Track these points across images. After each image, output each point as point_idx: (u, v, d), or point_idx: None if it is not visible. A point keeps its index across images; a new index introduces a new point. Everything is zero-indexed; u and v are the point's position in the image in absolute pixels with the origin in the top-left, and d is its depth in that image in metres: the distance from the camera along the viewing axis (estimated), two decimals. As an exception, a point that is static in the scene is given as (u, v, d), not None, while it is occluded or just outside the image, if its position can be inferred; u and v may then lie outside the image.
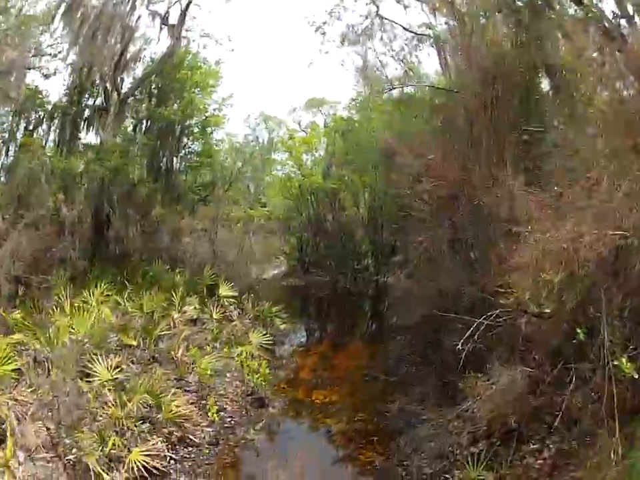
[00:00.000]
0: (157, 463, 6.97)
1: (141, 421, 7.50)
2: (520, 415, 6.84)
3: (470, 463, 6.67)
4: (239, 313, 13.49)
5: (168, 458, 7.24)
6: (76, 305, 10.06)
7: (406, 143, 10.65)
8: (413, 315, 10.74)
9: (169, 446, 7.43)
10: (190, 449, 7.54)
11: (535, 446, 7.01)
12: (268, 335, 11.80)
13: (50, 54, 17.15)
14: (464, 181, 8.92)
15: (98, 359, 8.28)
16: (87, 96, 17.97)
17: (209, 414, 8.01)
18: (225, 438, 7.83)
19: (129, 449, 6.93)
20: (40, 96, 17.29)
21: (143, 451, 6.87)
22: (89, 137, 18.16)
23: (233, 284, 14.10)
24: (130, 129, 19.18)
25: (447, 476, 6.94)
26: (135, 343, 9.88)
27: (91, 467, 6.45)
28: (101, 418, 7.42)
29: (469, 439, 7.25)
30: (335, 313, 18.95)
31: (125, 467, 6.66)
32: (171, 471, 7.09)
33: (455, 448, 7.15)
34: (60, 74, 17.41)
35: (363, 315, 18.39)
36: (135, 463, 6.62)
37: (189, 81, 18.01)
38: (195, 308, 12.17)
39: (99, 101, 17.99)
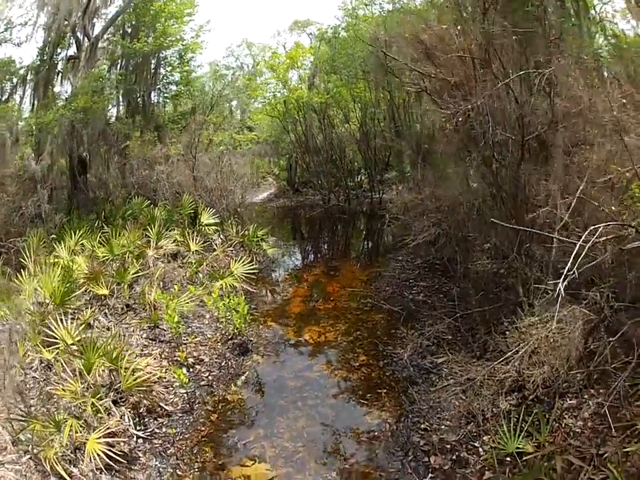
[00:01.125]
0: (123, 445, 5.47)
1: (105, 392, 5.88)
2: (564, 366, 5.14)
3: (503, 426, 5.16)
4: (222, 241, 11.67)
5: (135, 437, 5.65)
6: (50, 262, 8.34)
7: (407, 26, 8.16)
8: (416, 233, 8.75)
9: (137, 420, 5.86)
10: (160, 420, 5.96)
11: (575, 403, 5.41)
12: (253, 263, 9.82)
13: (21, 23, 15.71)
14: (484, 62, 6.55)
15: (61, 321, 6.59)
16: (58, 50, 16.30)
17: (179, 377, 6.16)
18: (201, 401, 6.11)
19: (89, 432, 5.39)
20: (13, 65, 15.84)
21: (103, 434, 5.25)
22: (63, 89, 16.44)
23: (215, 211, 12.27)
24: (105, 71, 17.40)
25: (475, 444, 5.36)
26: (107, 292, 8.16)
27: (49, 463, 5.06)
28: (57, 396, 5.85)
29: (500, 393, 5.62)
30: (328, 233, 16.85)
31: (86, 458, 5.12)
32: (139, 454, 5.51)
33: (483, 405, 5.48)
34: (32, 39, 15.83)
35: (357, 234, 16.21)
36: (94, 452, 5.07)
37: (163, 13, 16.63)
38: (176, 241, 10.36)
39: (71, 52, 16.32)
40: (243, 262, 9.25)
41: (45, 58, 15.75)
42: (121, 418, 5.65)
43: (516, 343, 5.13)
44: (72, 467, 5.09)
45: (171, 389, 6.23)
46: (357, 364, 6.86)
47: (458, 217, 7.71)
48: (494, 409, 5.51)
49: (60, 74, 16.14)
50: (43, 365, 6.36)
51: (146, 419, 5.85)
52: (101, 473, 5.08)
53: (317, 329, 7.63)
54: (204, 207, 12.02)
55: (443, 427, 5.64)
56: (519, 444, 4.93)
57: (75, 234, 9.57)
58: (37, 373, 6.21)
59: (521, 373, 5.02)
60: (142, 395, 5.94)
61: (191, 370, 6.56)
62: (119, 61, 17.30)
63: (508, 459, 4.94)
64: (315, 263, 13.47)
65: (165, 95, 18.42)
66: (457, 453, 5.27)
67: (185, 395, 6.15)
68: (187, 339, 7.10)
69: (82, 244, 9.48)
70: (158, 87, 18.04)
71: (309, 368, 6.80)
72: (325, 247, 15.61)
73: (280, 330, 7.86)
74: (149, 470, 5.27)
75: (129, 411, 5.80)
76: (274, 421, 5.93)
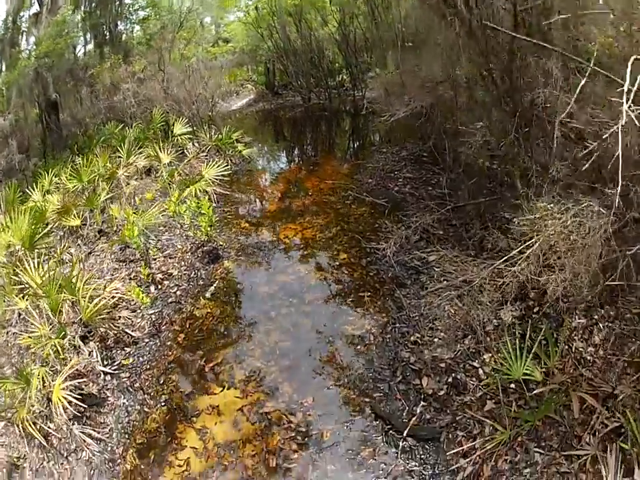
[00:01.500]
0: (92, 386, 4.40)
1: (75, 329, 4.74)
2: (587, 274, 3.63)
3: (507, 344, 3.88)
4: (196, 149, 9.61)
5: (102, 375, 4.50)
6: (22, 209, 6.51)
7: None
8: (396, 109, 6.78)
9: (105, 354, 4.68)
10: (127, 350, 4.78)
11: (585, 323, 4.13)
12: (227, 165, 7.88)
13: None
14: None
15: (35, 264, 5.22)
16: (22, 14, 14.50)
17: (139, 297, 4.94)
18: (168, 321, 4.77)
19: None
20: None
21: (70, 375, 4.22)
22: (29, 45, 14.61)
23: (187, 120, 10.15)
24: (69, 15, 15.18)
25: (474, 364, 4.12)
26: (78, 222, 6.66)
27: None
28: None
29: (502, 302, 4.28)
30: (309, 132, 14.51)
31: (54, 408, 4.08)
32: (108, 393, 4.41)
33: (483, 316, 4.13)
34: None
35: (340, 132, 14.00)
36: (61, 401, 4.05)
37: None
38: (148, 156, 8.41)
39: (33, 10, 14.53)
40: (215, 165, 7.44)
41: (9, 25, 13.99)
42: (89, 355, 4.54)
43: (522, 241, 3.68)
44: (48, 422, 4.06)
45: (139, 311, 5.02)
46: (337, 263, 5.36)
47: (444, 95, 5.85)
48: (495, 321, 4.25)
49: (24, 33, 14.29)
50: (21, 317, 5.15)
51: (113, 351, 4.70)
52: (73, 424, 4.03)
53: (293, 227, 6.14)
54: (176, 118, 10.21)
55: (436, 340, 4.29)
56: (527, 369, 3.68)
57: (48, 174, 7.88)
58: (16, 328, 5.09)
59: (529, 279, 3.63)
60: (107, 325, 4.75)
61: (159, 287, 5.27)
62: (82, 2, 14.99)
63: (513, 386, 3.73)
64: (295, 160, 11.43)
65: (132, 21, 16.44)
66: (453, 375, 4.02)
67: (152, 316, 4.97)
68: (156, 255, 5.71)
69: (56, 182, 7.82)
70: (124, 15, 16.16)
71: (284, 271, 5.37)
72: (306, 145, 13.47)
73: (253, 231, 6.22)
74: (117, 410, 4.23)
75: (97, 345, 4.64)
76: (244, 337, 4.64)
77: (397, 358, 4.19)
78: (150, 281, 5.23)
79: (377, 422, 3.83)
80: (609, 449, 3.23)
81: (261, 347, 4.49)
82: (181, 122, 9.87)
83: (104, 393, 4.31)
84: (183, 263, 5.46)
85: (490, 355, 4.05)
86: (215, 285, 5.12)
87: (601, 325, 4.05)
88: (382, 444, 3.69)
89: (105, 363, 4.50)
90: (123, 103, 11.41)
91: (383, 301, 4.76)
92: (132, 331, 4.75)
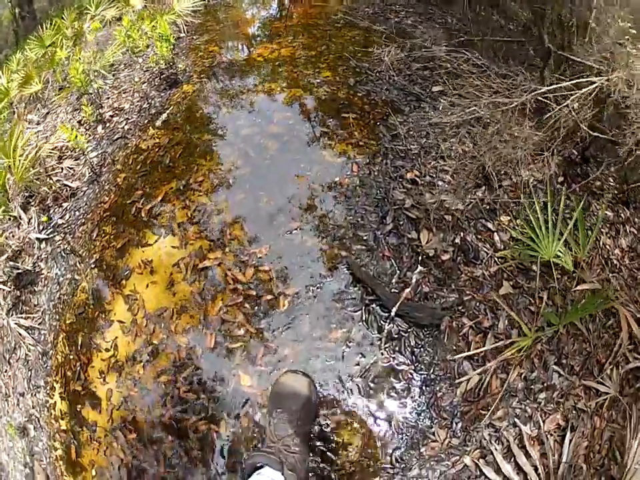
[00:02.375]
0: (27, 261, 2.66)
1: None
2: None
3: (527, 210, 1.87)
4: None
5: (38, 244, 2.69)
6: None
7: None
8: None
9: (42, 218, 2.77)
10: (65, 205, 2.81)
11: (612, 217, 2.08)
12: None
13: None
14: None
15: None
16: None
17: (74, 140, 2.77)
18: (111, 160, 2.63)
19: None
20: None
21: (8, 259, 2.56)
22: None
23: None
24: None
25: (488, 225, 2.08)
26: (39, 87, 3.94)
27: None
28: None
29: (525, 151, 2.01)
30: None
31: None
32: (41, 265, 2.63)
33: (500, 166, 2.02)
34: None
35: None
36: None
37: None
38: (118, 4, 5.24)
39: None
40: None
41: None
42: (29, 224, 2.70)
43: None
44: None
45: (83, 157, 2.94)
46: (318, 80, 2.92)
47: None
48: (515, 177, 2.07)
49: None
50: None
51: (51, 211, 2.78)
52: (10, 315, 2.45)
53: (269, 46, 3.41)
54: None
55: (440, 183, 2.22)
56: (559, 251, 1.78)
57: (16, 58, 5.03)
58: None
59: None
60: (46, 182, 2.82)
61: (107, 125, 3.11)
62: None
63: (535, 268, 1.82)
64: None
65: None
66: (461, 235, 2.05)
67: (95, 159, 2.90)
68: (111, 93, 3.45)
69: (23, 60, 5.02)
70: None
71: (250, 89, 2.98)
72: None
73: (222, 53, 3.53)
74: (49, 285, 2.48)
75: (37, 210, 2.76)
76: (191, 168, 2.53)
77: (387, 199, 2.15)
78: (98, 120, 3.13)
79: (356, 288, 2.00)
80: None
81: (210, 178, 2.43)
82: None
83: (38, 265, 2.58)
84: (137, 94, 3.26)
85: (508, 218, 1.98)
86: (168, 111, 2.96)
87: (627, 228, 1.95)
88: (360, 323, 1.89)
89: (42, 227, 2.69)
90: None
91: (373, 125, 2.53)
92: (71, 181, 2.84)
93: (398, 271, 1.97)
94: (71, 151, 3.00)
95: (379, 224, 2.10)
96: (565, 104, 1.89)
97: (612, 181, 2.26)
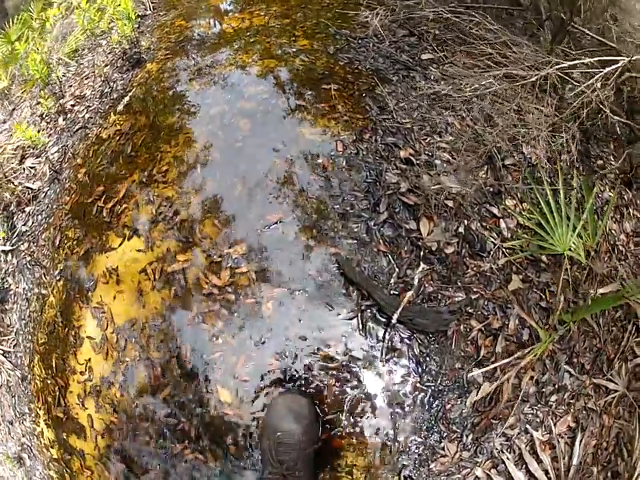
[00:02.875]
0: None
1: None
2: None
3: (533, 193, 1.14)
4: None
5: (3, 256, 1.99)
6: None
7: None
8: None
9: (8, 225, 2.05)
10: (27, 210, 2.06)
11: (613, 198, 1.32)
12: None
13: None
14: None
15: None
16: None
17: (31, 139, 2.06)
18: (71, 154, 1.88)
19: None
20: None
21: None
22: None
23: None
24: None
25: (493, 211, 1.38)
26: (6, 83, 2.91)
27: None
28: None
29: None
30: None
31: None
32: (10, 280, 1.94)
33: (502, 143, 1.29)
34: None
35: None
36: None
37: None
38: None
39: None
40: None
41: None
42: None
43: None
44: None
45: (44, 154, 2.22)
46: (294, 50, 2.02)
47: None
48: (518, 155, 1.41)
49: None
50: None
51: (15, 217, 2.08)
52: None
53: (240, 16, 2.49)
54: None
55: (438, 162, 1.53)
56: (573, 243, 1.14)
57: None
58: None
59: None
60: (8, 187, 2.11)
61: (68, 116, 2.35)
62: None
63: (545, 259, 1.20)
64: None
65: None
66: (465, 223, 1.41)
67: (56, 154, 2.18)
68: (73, 80, 2.63)
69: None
70: None
71: (219, 62, 2.07)
72: None
73: (189, 28, 2.56)
74: (19, 301, 1.86)
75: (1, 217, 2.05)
76: (156, 154, 1.79)
77: (379, 182, 1.50)
78: (59, 112, 2.37)
79: (349, 290, 1.42)
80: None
81: (176, 166, 1.74)
82: None
83: (6, 281, 1.93)
84: (99, 79, 2.48)
85: (514, 202, 1.37)
86: (130, 94, 2.20)
87: (631, 211, 1.25)
88: (355, 333, 1.34)
89: (6, 238, 2.02)
90: None
91: (358, 98, 1.82)
92: (33, 182, 2.14)
93: (397, 269, 1.40)
94: (33, 149, 2.28)
95: (371, 212, 1.49)
96: (589, 82, 1.26)
97: (613, 160, 1.67)
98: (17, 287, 1.91)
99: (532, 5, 1.95)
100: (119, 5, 2.28)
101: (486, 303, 1.38)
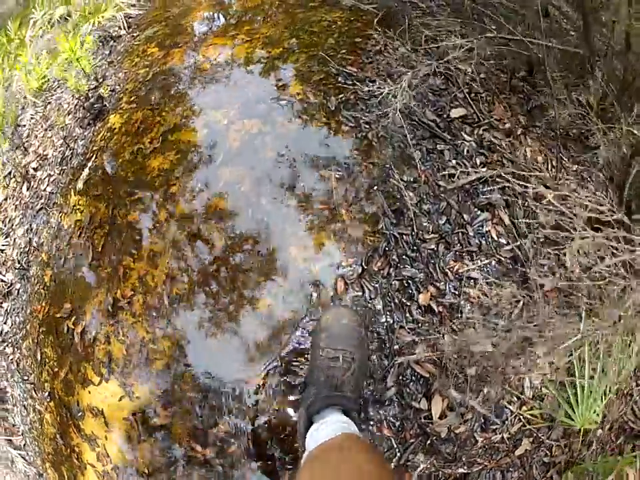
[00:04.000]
0: None
1: None
2: None
3: None
4: None
5: None
6: None
7: None
8: None
9: None
10: (5, 306, 1.77)
11: None
12: None
13: None
14: None
15: None
16: None
17: None
18: (36, 245, 1.60)
19: None
20: None
21: None
22: None
23: None
24: None
25: (520, 368, 1.06)
26: None
27: None
28: None
29: None
30: None
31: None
32: (3, 381, 1.72)
33: None
34: None
35: None
36: None
37: None
38: None
39: None
40: None
41: None
42: None
43: None
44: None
45: (12, 233, 1.86)
46: (284, 101, 1.50)
47: None
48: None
49: None
50: None
51: None
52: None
53: (221, 42, 1.85)
54: None
55: (467, 307, 1.11)
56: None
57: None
58: None
59: None
60: None
61: (32, 185, 1.92)
62: None
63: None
64: None
65: None
66: (484, 391, 1.04)
67: (22, 239, 1.80)
68: (40, 126, 2.12)
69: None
70: None
71: (185, 125, 1.55)
72: None
73: (162, 57, 1.90)
74: (17, 405, 1.69)
75: None
76: (118, 267, 1.42)
77: (389, 344, 1.12)
78: (23, 176, 1.96)
79: None
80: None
81: (141, 293, 1.36)
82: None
83: (1, 382, 1.74)
84: (61, 133, 2.00)
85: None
86: (89, 164, 1.72)
87: None
88: None
89: None
90: None
91: (367, 194, 1.32)
92: (4, 272, 1.83)
93: (398, 454, 1.07)
94: (3, 221, 1.94)
95: (376, 386, 1.11)
96: None
97: None
98: (12, 390, 1.75)
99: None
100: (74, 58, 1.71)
101: (487, 472, 1.09)
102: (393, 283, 1.21)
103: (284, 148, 1.48)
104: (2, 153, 2.09)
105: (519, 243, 1.29)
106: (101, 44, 2.20)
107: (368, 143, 1.45)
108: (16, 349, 1.72)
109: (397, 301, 1.19)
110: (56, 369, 1.54)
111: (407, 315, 1.17)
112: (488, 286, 1.23)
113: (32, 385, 1.64)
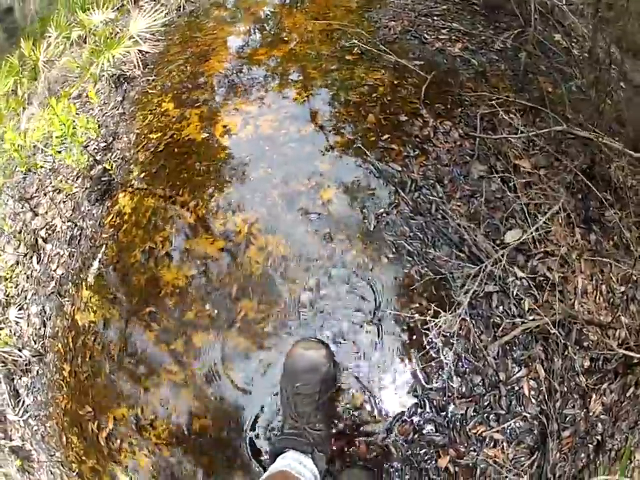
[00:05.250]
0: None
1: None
2: None
3: None
4: None
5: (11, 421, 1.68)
6: None
7: None
8: None
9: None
10: (25, 381, 1.66)
11: None
12: (177, 8, 1.96)
13: None
14: None
15: None
16: None
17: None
18: (51, 332, 1.61)
19: None
20: None
21: None
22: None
23: None
24: None
25: None
26: None
27: None
28: None
29: None
30: None
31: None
32: (28, 445, 1.65)
33: None
34: None
35: None
36: None
37: None
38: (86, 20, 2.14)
39: None
40: (150, 14, 1.94)
41: None
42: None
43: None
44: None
45: (25, 304, 1.72)
46: (315, 211, 1.28)
47: None
48: None
49: None
50: None
51: (15, 381, 1.72)
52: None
53: (242, 108, 1.50)
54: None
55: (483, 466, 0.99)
56: None
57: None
58: None
59: None
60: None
61: (42, 257, 1.73)
62: None
63: None
64: None
65: None
66: None
67: (36, 318, 1.67)
68: (47, 189, 1.84)
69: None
70: None
71: (203, 225, 1.33)
72: None
73: (175, 118, 1.56)
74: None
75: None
76: (137, 387, 1.31)
77: None
78: (32, 246, 1.78)
79: None
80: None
81: (161, 416, 1.28)
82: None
83: (27, 444, 1.71)
84: (69, 202, 1.75)
85: None
86: (100, 253, 1.53)
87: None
88: None
89: (12, 404, 1.71)
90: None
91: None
92: (22, 347, 1.69)
93: None
94: (16, 289, 1.81)
95: None
96: None
97: None
98: (38, 455, 1.76)
99: None
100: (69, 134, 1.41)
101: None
102: (415, 448, 1.09)
103: (306, 291, 1.23)
104: (11, 203, 1.90)
105: (548, 397, 1.14)
106: (113, 86, 1.87)
107: (409, 283, 1.23)
108: (40, 425, 1.71)
109: (415, 464, 1.08)
110: (83, 457, 1.53)
111: (424, 478, 1.07)
112: (507, 444, 1.12)
113: (59, 464, 1.65)
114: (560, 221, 1.37)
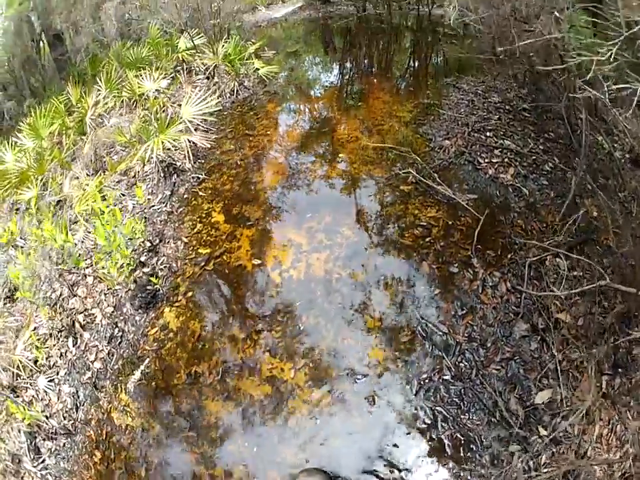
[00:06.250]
0: None
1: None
2: None
3: None
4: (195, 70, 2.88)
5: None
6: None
7: None
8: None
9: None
10: (49, 445, 1.66)
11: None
12: (227, 93, 2.24)
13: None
14: None
15: None
16: None
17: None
18: (83, 417, 1.62)
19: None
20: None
21: None
22: None
23: (204, 32, 3.00)
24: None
25: None
26: (34, 193, 1.99)
27: None
28: None
29: None
30: (356, 46, 3.93)
31: None
32: None
33: None
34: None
35: (399, 49, 3.86)
36: None
37: None
38: (137, 85, 2.12)
39: None
40: (198, 100, 1.96)
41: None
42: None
43: None
44: None
45: (56, 380, 1.70)
46: (361, 372, 1.28)
47: None
48: None
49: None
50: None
51: (37, 438, 1.70)
52: None
53: (295, 239, 1.47)
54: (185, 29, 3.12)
55: None
56: None
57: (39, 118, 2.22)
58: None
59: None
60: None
61: (78, 341, 1.71)
62: None
63: None
64: (329, 86, 3.15)
65: None
66: None
67: (67, 398, 1.68)
68: (87, 271, 1.75)
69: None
70: None
71: (251, 363, 1.37)
72: (349, 64, 3.76)
73: (225, 236, 1.53)
74: None
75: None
76: None
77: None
78: (68, 329, 1.75)
79: None
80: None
81: None
82: (194, 33, 3.03)
83: None
84: (110, 298, 1.70)
85: None
86: (143, 365, 1.55)
87: None
88: None
89: (32, 456, 1.72)
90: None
91: None
92: (49, 416, 1.71)
93: None
94: (47, 358, 1.80)
95: None
96: None
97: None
98: None
99: None
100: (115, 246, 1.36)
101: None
102: None
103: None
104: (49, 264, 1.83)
105: None
106: (162, 175, 1.79)
107: (439, 448, 1.30)
108: (62, 486, 1.76)
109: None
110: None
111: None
112: None
113: None
114: (590, 369, 1.39)
